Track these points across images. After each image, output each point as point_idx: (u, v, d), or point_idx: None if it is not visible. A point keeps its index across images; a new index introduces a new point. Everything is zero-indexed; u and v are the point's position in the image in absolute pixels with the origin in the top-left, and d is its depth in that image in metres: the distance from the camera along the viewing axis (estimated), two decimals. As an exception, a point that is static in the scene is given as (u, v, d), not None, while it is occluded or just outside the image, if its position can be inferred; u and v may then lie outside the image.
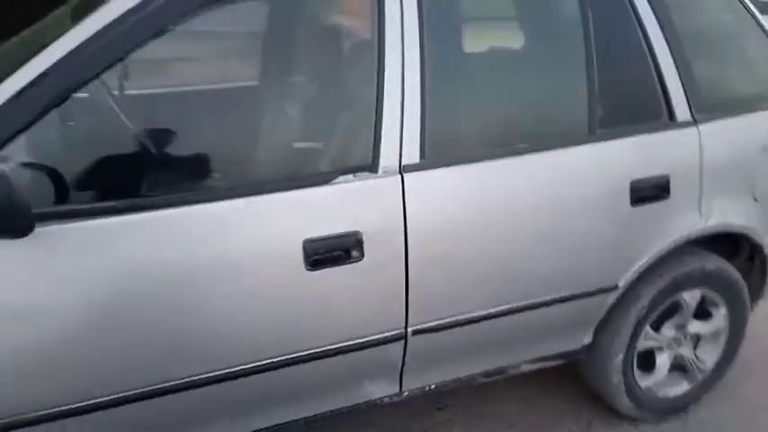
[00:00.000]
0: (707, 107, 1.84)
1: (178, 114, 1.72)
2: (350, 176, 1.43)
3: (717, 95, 1.91)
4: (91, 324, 1.25)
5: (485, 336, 1.69)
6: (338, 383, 1.60)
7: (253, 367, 1.43)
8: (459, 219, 1.54)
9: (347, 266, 1.42)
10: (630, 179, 1.70)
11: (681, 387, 2.13)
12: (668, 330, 2.02)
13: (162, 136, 1.43)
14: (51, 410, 1.28)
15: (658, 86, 1.77)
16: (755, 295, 2.20)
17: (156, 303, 1.30)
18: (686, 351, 2.08)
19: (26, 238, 1.15)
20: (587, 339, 1.90)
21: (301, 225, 1.38)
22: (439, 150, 1.52)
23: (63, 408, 1.29)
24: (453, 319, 1.60)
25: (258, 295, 1.38)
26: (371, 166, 1.45)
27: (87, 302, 1.24)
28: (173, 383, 1.36)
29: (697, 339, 2.11)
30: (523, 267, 1.64)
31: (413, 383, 1.69)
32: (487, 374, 1.81)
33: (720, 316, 2.07)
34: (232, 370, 1.41)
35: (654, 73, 1.76)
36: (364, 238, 1.42)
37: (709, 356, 2.13)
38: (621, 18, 1.74)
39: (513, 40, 1.84)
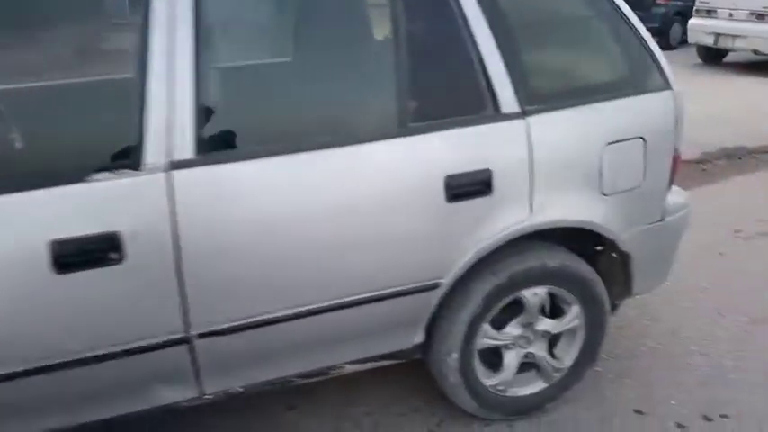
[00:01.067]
0: (540, 99, 1.76)
1: None
2: (108, 174, 1.37)
3: (554, 86, 1.84)
4: None
5: (288, 337, 1.63)
6: (125, 387, 1.54)
7: (21, 371, 1.38)
8: (241, 218, 1.48)
9: (105, 269, 1.37)
10: (444, 175, 1.64)
11: (536, 386, 2.07)
12: (514, 329, 1.95)
13: None
14: None
15: (482, 77, 1.69)
16: (622, 293, 2.14)
17: None
18: (538, 349, 2.02)
19: None
20: (419, 338, 1.84)
21: (48, 226, 1.32)
22: (218, 146, 1.46)
23: None
24: (245, 321, 1.54)
25: (2, 298, 1.32)
26: (133, 163, 1.39)
27: None
28: None
29: (554, 338, 2.05)
30: (322, 267, 1.58)
31: (215, 386, 1.64)
32: (305, 375, 1.76)
33: (573, 314, 2.00)
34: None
35: (476, 63, 1.68)
36: (124, 239, 1.37)
37: (566, 355, 2.07)
38: (438, 5, 1.66)
39: (309, 23, 1.73)
